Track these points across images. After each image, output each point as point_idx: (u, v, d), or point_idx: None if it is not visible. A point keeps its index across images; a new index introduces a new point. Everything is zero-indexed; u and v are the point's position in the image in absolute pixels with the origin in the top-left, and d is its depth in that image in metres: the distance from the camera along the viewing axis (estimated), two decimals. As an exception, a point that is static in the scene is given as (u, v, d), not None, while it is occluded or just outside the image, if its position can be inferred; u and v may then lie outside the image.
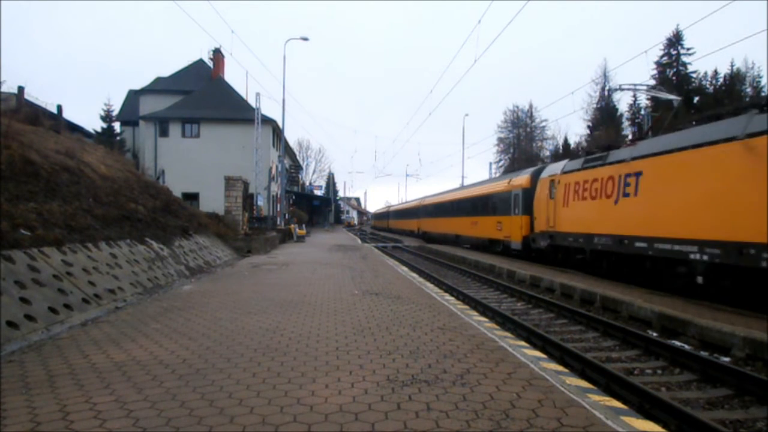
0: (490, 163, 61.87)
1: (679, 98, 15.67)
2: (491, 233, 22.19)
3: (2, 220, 7.33)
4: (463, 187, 35.30)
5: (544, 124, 69.42)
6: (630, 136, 50.91)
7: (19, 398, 3.82)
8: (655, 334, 8.06)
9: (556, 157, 57.03)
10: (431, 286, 11.70)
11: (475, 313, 8.39)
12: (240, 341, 5.61)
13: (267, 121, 31.54)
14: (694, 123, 12.00)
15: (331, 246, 25.55)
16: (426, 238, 37.47)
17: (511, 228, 19.54)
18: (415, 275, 13.64)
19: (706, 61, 76.84)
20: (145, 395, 3.88)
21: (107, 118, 34.31)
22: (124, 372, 4.49)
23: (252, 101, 30.95)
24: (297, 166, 56.28)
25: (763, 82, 49.35)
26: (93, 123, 50.08)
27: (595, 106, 59.49)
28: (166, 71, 47.34)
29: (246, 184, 23.62)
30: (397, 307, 7.85)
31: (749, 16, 70.57)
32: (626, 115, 56.81)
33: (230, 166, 27.31)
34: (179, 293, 9.42)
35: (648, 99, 49.26)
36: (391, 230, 59.70)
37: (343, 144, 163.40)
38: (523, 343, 6.71)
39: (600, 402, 4.00)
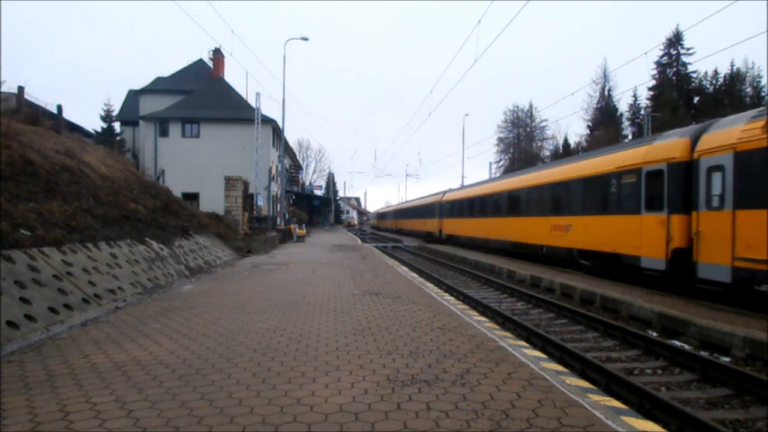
0: (490, 163, 61.94)
1: None
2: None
3: (2, 220, 7.33)
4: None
5: (544, 124, 69.50)
6: (630, 136, 50.97)
7: (19, 398, 3.82)
8: (655, 334, 8.07)
9: (556, 156, 57.06)
10: (431, 286, 11.69)
11: (475, 313, 8.39)
12: (240, 341, 5.61)
13: (267, 121, 31.52)
14: None
15: (331, 246, 25.55)
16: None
17: None
18: (415, 275, 13.63)
19: (707, 62, 76.82)
20: (145, 395, 3.88)
21: (107, 118, 34.31)
22: (124, 372, 4.49)
23: (252, 101, 30.98)
24: (297, 166, 56.23)
25: (763, 82, 49.32)
26: (93, 123, 50.27)
27: (595, 106, 59.54)
28: (166, 71, 47.47)
29: (246, 184, 23.62)
30: (397, 307, 7.85)
31: (749, 17, 70.65)
32: (626, 115, 56.85)
33: (230, 166, 27.32)
34: (179, 293, 9.42)
35: (647, 99, 49.28)
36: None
37: (343, 144, 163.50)
38: (523, 343, 6.71)
39: (600, 402, 4.00)
